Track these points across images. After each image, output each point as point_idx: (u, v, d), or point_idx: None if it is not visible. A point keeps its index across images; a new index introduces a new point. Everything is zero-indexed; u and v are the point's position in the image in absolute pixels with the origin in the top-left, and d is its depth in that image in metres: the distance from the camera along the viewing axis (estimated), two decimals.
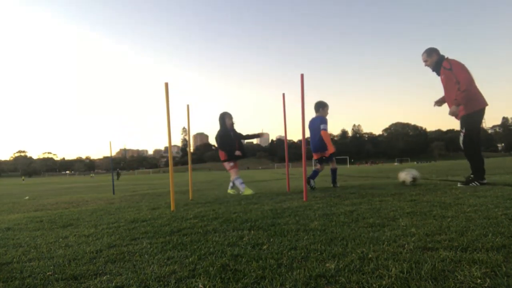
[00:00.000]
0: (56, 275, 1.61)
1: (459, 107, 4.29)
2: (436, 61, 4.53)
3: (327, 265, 1.48)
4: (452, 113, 4.35)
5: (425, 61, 4.63)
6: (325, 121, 5.34)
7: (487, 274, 1.26)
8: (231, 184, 5.93)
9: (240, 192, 5.52)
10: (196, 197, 5.39)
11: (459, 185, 4.35)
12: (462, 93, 4.18)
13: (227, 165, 5.69)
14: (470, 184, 4.28)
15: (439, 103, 4.86)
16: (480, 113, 4.35)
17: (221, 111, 5.78)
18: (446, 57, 4.48)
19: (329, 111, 5.56)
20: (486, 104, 4.32)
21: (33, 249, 2.21)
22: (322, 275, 1.37)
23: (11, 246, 2.37)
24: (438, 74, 4.60)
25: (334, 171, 5.56)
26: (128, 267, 1.67)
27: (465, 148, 4.38)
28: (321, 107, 5.46)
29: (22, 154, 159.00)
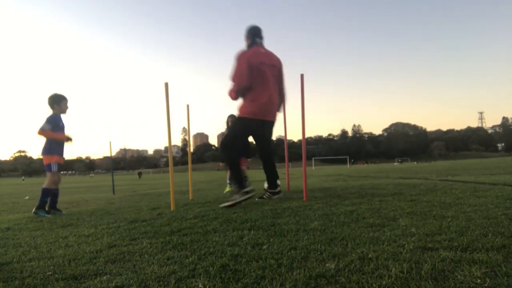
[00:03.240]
0: (56, 275, 1.61)
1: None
2: None
3: (327, 265, 1.48)
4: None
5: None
6: (50, 120, 4.09)
7: (487, 274, 1.26)
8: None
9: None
10: (196, 197, 5.38)
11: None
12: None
13: None
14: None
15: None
16: (247, 122, 3.66)
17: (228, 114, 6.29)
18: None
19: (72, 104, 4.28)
20: (255, 116, 3.62)
21: (33, 249, 2.21)
22: (322, 275, 1.37)
23: (11, 246, 2.37)
24: None
25: (52, 195, 4.26)
26: (128, 267, 1.67)
27: (221, 148, 3.87)
28: (55, 102, 4.17)
29: (22, 154, 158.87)
